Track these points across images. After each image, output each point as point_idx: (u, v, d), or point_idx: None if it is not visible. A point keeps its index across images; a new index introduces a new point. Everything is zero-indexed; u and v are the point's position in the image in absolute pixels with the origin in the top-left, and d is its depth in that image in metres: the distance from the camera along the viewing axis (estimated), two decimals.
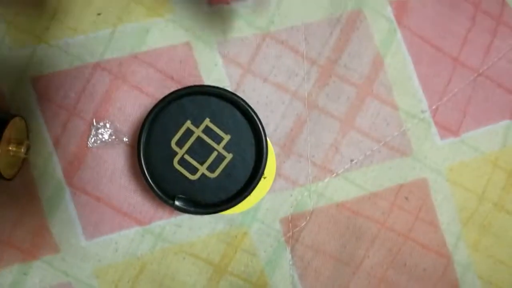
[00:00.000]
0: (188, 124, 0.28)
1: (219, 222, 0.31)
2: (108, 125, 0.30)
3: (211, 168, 0.28)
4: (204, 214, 0.27)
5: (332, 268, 0.32)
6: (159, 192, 0.27)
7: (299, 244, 0.32)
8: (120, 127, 0.31)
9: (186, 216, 0.31)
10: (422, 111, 0.33)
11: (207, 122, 0.28)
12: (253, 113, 0.27)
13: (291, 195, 0.32)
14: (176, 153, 0.28)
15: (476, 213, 0.33)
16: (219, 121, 0.28)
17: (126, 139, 0.30)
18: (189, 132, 0.28)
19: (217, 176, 0.28)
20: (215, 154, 0.28)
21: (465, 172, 0.33)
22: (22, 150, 0.29)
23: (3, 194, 0.30)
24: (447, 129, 0.33)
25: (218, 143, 0.28)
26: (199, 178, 0.28)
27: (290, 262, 0.32)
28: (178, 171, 0.28)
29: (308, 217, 0.32)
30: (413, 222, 0.33)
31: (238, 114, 0.28)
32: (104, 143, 0.30)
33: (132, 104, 0.31)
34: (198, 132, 0.28)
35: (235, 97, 0.27)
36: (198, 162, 0.28)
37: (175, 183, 0.28)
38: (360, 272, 0.32)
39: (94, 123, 0.30)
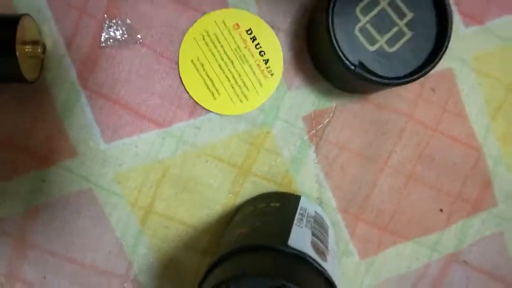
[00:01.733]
0: None
1: (240, 122, 0.30)
2: (120, 23, 0.29)
3: (390, 42, 0.27)
4: (382, 85, 0.26)
5: (359, 165, 0.31)
6: (341, 56, 0.26)
7: (323, 141, 0.31)
8: (133, 24, 0.29)
9: (205, 117, 0.30)
10: None
11: None
12: None
13: (313, 91, 0.31)
14: (359, 20, 0.27)
15: (504, 104, 0.32)
16: None
17: (140, 38, 0.29)
18: (375, 2, 0.27)
19: (395, 51, 0.27)
20: (396, 29, 0.27)
21: (491, 61, 0.32)
22: (39, 49, 0.28)
23: (15, 100, 0.29)
24: (471, 17, 0.32)
25: (401, 19, 0.27)
26: (377, 50, 0.27)
27: (315, 161, 0.31)
28: (358, 38, 0.26)
29: (331, 114, 0.31)
30: (440, 114, 0.32)
31: None
32: (118, 42, 0.29)
33: (145, 1, 0.30)
34: (384, 3, 0.26)
35: None
36: (378, 33, 0.27)
37: (353, 50, 0.26)
38: (387, 168, 0.31)
39: (106, 22, 0.29)
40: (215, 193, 0.31)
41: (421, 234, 0.32)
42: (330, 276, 0.22)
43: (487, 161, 0.32)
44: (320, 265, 0.22)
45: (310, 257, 0.22)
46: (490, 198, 0.32)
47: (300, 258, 0.22)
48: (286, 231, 0.24)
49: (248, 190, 0.31)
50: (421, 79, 0.31)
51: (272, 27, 0.30)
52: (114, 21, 0.29)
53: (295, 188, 0.31)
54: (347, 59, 0.26)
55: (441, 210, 0.32)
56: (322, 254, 0.24)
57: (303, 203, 0.29)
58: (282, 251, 0.22)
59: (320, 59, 0.29)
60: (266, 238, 0.23)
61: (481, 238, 0.33)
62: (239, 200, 0.31)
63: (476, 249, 0.33)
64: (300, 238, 0.24)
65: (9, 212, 0.30)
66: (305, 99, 0.31)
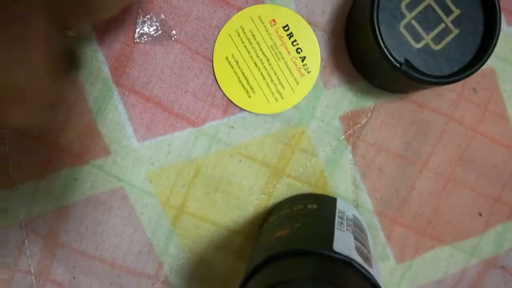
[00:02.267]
0: None
1: (275, 121, 0.30)
2: (154, 18, 0.28)
3: (436, 40, 0.26)
4: (428, 83, 0.25)
5: (397, 167, 0.30)
6: (387, 53, 0.25)
7: (361, 141, 0.30)
8: (167, 20, 0.29)
9: (239, 115, 0.30)
10: None
11: None
12: None
13: (351, 90, 0.30)
14: (404, 16, 0.26)
15: None
16: None
17: (174, 34, 0.29)
18: None
19: (441, 49, 0.26)
20: (442, 26, 0.26)
21: None
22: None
23: None
24: None
25: (447, 15, 0.26)
26: (422, 47, 0.26)
27: (351, 161, 0.30)
28: (403, 35, 0.26)
29: (369, 113, 0.30)
30: (482, 114, 0.30)
31: None
32: (151, 38, 0.28)
33: None
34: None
35: None
36: (424, 30, 0.26)
37: (398, 47, 0.26)
38: (426, 170, 0.30)
39: (141, 17, 0.28)
40: (247, 193, 0.30)
41: (459, 238, 0.31)
42: (377, 282, 0.21)
43: None
44: (367, 271, 0.21)
45: (357, 263, 0.21)
46: None
47: (348, 263, 0.21)
48: (329, 235, 0.23)
49: (282, 191, 0.30)
50: None
51: (310, 23, 0.29)
52: (148, 16, 0.28)
53: (330, 190, 0.30)
54: (393, 57, 0.25)
55: (480, 214, 0.31)
56: (367, 259, 0.23)
57: (340, 205, 0.28)
58: (329, 256, 0.21)
59: (361, 57, 0.28)
60: (310, 242, 0.23)
61: None
62: (272, 201, 0.30)
63: None
64: (344, 243, 0.23)
65: (40, 210, 0.29)
66: (342, 98, 0.30)
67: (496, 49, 0.30)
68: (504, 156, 0.31)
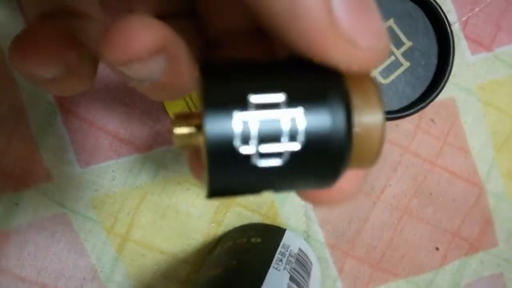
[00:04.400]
0: None
1: None
2: None
3: (384, 73, 0.25)
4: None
5: None
6: None
7: None
8: None
9: None
10: (451, 23, 0.29)
11: (390, 22, 0.24)
12: (445, 20, 0.24)
13: None
14: None
15: (511, 138, 0.30)
16: (405, 24, 0.25)
17: None
18: None
19: (389, 82, 0.25)
20: (391, 59, 0.25)
21: (499, 91, 0.30)
22: None
23: None
24: (479, 43, 0.29)
25: (398, 47, 0.25)
26: None
27: None
28: None
29: None
30: (440, 147, 0.29)
31: (426, 19, 0.25)
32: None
33: None
34: None
35: (430, 0, 0.24)
36: None
37: None
38: (380, 202, 0.29)
39: None
40: (196, 222, 0.29)
41: (415, 272, 0.30)
42: None
43: (488, 198, 0.30)
44: None
45: None
46: (490, 237, 0.30)
47: None
48: (261, 276, 0.22)
49: (232, 220, 0.29)
50: None
51: None
52: None
53: (280, 221, 0.29)
54: None
55: (437, 248, 0.30)
56: None
57: (286, 238, 0.27)
58: None
59: None
60: (238, 285, 0.22)
61: (479, 279, 0.31)
62: (222, 229, 0.29)
63: None
64: (274, 284, 0.22)
65: None
66: None
67: (457, 78, 0.29)
68: (464, 190, 0.30)
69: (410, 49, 0.25)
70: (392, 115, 0.24)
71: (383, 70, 0.25)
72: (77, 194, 0.28)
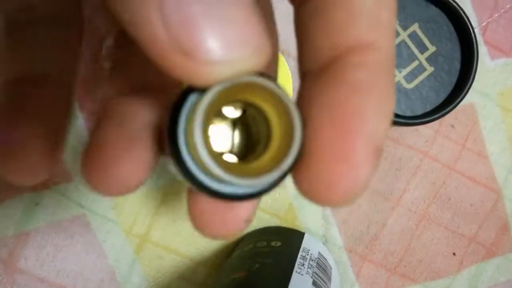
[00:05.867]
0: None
1: None
2: None
3: (408, 78, 0.25)
4: (399, 125, 0.24)
5: (369, 202, 0.29)
6: None
7: None
8: None
9: None
10: None
11: (415, 27, 0.25)
12: (469, 26, 0.24)
13: None
14: None
15: None
16: (429, 29, 0.25)
17: None
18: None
19: (413, 87, 0.25)
20: (415, 63, 0.24)
21: None
22: None
23: None
24: (499, 49, 0.29)
25: (422, 52, 0.24)
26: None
27: None
28: None
29: None
30: (459, 152, 0.29)
31: (450, 25, 0.25)
32: None
33: None
34: (404, 35, 0.24)
35: (455, 6, 0.24)
36: (396, 68, 0.24)
37: None
38: (399, 207, 0.30)
39: None
40: None
41: (432, 278, 0.30)
42: None
43: (506, 203, 0.30)
44: None
45: None
46: (507, 242, 0.30)
47: None
48: (285, 280, 0.22)
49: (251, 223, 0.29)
50: None
51: (282, 52, 0.28)
52: None
53: (299, 224, 0.29)
54: None
55: (454, 253, 0.30)
56: None
57: (306, 242, 0.27)
58: None
59: None
60: None
61: (495, 284, 0.31)
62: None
63: None
64: None
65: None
66: None
67: (477, 84, 0.29)
68: (481, 195, 0.30)
69: (434, 54, 0.25)
70: (417, 120, 0.24)
71: (407, 74, 0.25)
72: (97, 195, 0.28)
